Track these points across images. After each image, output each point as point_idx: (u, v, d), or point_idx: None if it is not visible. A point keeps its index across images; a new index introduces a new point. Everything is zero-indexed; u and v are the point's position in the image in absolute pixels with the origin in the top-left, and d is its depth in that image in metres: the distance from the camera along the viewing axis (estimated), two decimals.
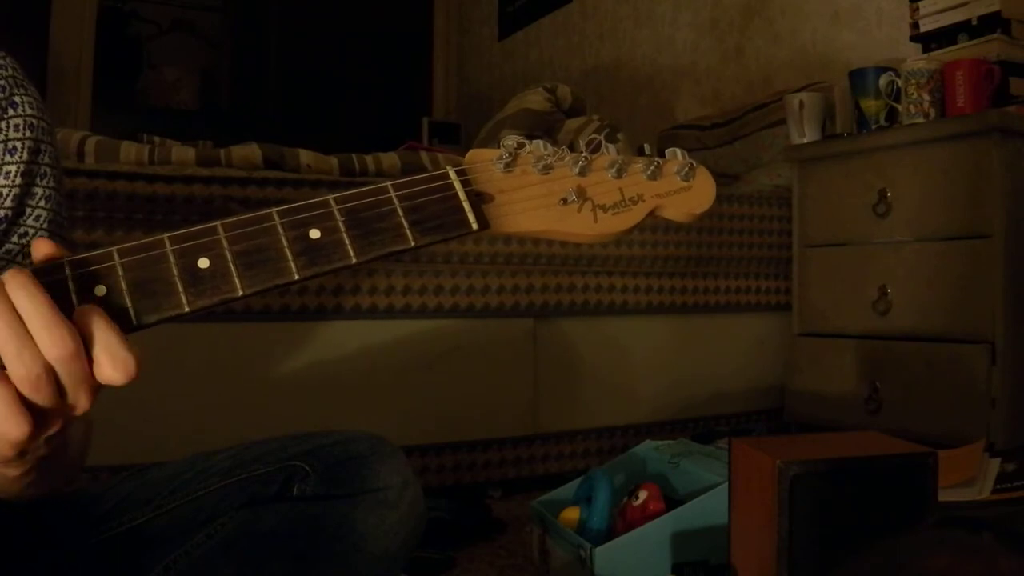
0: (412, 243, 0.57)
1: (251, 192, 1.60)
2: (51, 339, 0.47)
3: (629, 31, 3.37)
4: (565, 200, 0.61)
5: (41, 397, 0.47)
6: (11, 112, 0.72)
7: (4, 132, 0.71)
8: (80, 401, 0.49)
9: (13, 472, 0.54)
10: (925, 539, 0.70)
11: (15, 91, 0.72)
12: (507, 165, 0.61)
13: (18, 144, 0.72)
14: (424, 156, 1.94)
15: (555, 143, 2.29)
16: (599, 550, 1.18)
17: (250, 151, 1.74)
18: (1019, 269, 1.68)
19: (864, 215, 1.90)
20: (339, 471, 0.76)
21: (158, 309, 0.52)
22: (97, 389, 0.50)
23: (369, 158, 1.87)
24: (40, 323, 0.47)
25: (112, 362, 0.48)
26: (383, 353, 1.74)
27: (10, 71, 0.73)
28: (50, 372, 0.47)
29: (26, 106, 0.73)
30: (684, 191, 0.65)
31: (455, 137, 3.98)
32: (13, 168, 0.71)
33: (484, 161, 0.61)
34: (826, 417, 1.94)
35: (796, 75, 2.55)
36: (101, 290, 0.51)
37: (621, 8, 3.40)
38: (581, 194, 0.62)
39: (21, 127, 0.72)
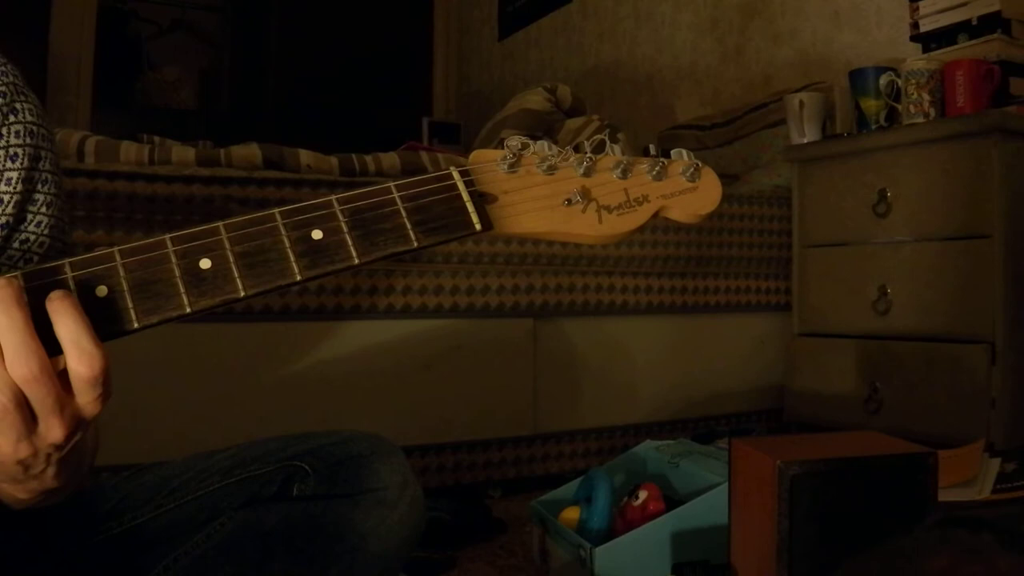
0: (415, 244, 0.57)
1: (251, 192, 1.60)
2: (16, 359, 0.48)
3: (629, 31, 3.37)
4: (569, 201, 0.61)
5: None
6: (12, 119, 0.72)
7: (5, 139, 0.71)
8: (51, 425, 0.50)
9: (21, 495, 0.56)
10: (925, 539, 0.70)
11: (16, 98, 0.72)
12: (511, 166, 0.61)
13: (19, 151, 0.72)
14: (424, 156, 1.94)
15: (555, 143, 2.28)
16: (599, 550, 1.18)
17: (250, 151, 1.74)
18: (1019, 269, 1.68)
19: (864, 215, 1.90)
20: (339, 471, 0.76)
21: (160, 310, 0.52)
22: (75, 414, 0.51)
23: (369, 158, 1.87)
24: (7, 342, 0.47)
25: (79, 355, 0.49)
26: (383, 353, 1.74)
27: (11, 78, 0.73)
28: (15, 391, 0.48)
29: (27, 113, 0.73)
30: (690, 192, 0.64)
31: (455, 137, 3.98)
32: (15, 175, 0.71)
33: (488, 162, 0.61)
34: (826, 417, 1.94)
35: (796, 75, 2.55)
36: (103, 291, 0.51)
37: (621, 8, 3.40)
38: (586, 195, 0.61)
39: (22, 133, 0.72)
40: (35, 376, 0.48)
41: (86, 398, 0.51)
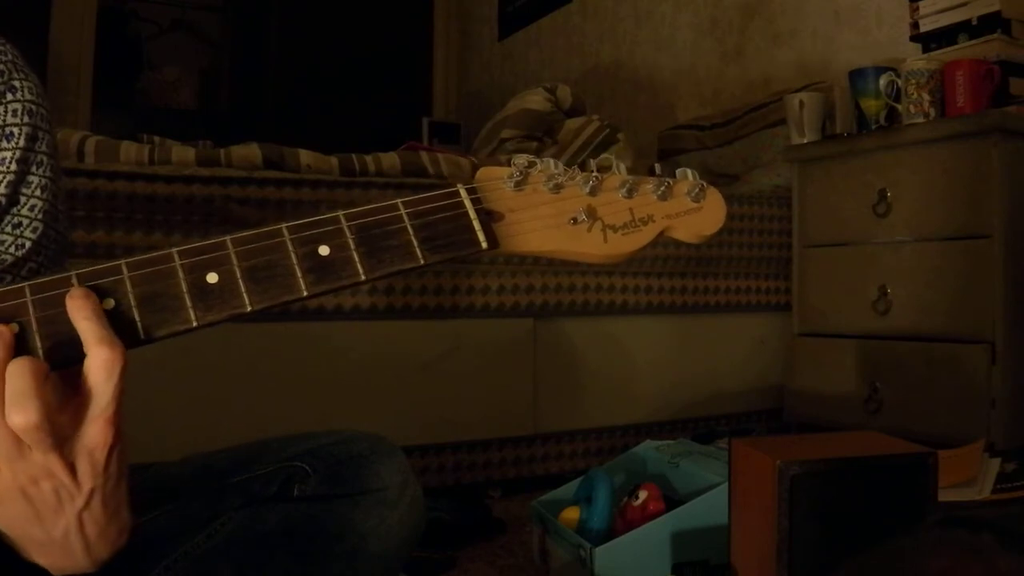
0: (421, 261, 0.57)
1: (251, 192, 1.60)
2: (14, 407, 0.48)
3: (629, 31, 3.37)
4: (575, 220, 0.61)
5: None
6: (9, 97, 0.70)
7: (2, 117, 0.69)
8: (53, 464, 0.51)
9: (43, 558, 0.56)
10: (925, 539, 0.70)
11: (15, 76, 0.70)
12: (517, 183, 0.61)
13: (15, 130, 0.70)
14: (424, 156, 1.94)
15: (555, 143, 2.27)
16: (599, 550, 1.18)
17: (250, 151, 1.74)
18: (1019, 269, 1.68)
19: (864, 215, 1.90)
20: (339, 471, 0.76)
21: (166, 324, 0.53)
22: (68, 453, 0.51)
23: (369, 158, 1.87)
24: (11, 388, 0.48)
25: (97, 340, 0.50)
26: (383, 353, 1.74)
27: (10, 56, 0.71)
28: (11, 436, 0.49)
29: (25, 91, 0.71)
30: (694, 212, 0.65)
31: (455, 137, 3.98)
32: (8, 154, 0.69)
33: (495, 179, 0.61)
34: (826, 417, 1.94)
35: (796, 75, 2.55)
36: (109, 303, 0.52)
37: (621, 8, 3.40)
38: (591, 214, 0.62)
39: (20, 112, 0.70)
40: (35, 425, 0.48)
41: (101, 401, 0.51)
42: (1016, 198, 1.69)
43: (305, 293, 0.55)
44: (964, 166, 1.72)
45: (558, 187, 0.62)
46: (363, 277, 0.56)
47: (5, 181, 0.70)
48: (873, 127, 1.93)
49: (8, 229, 0.71)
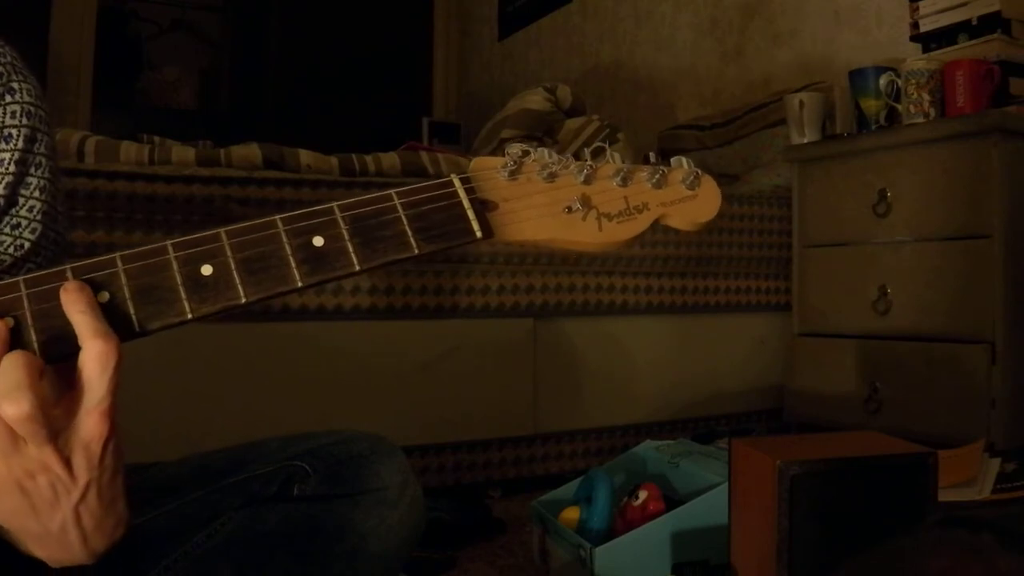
0: (416, 251, 0.57)
1: (251, 192, 1.60)
2: (6, 398, 0.48)
3: (629, 31, 3.37)
4: (570, 208, 0.61)
5: None
6: (8, 99, 0.70)
7: (0, 119, 0.69)
8: (48, 458, 0.51)
9: (41, 551, 0.56)
10: (925, 539, 0.70)
11: (13, 77, 0.70)
12: (512, 173, 0.61)
13: (14, 131, 0.70)
14: (424, 156, 1.94)
15: (556, 143, 2.27)
16: (599, 550, 1.18)
17: (250, 151, 1.74)
18: (1019, 269, 1.68)
19: (864, 215, 1.90)
20: (339, 471, 0.76)
21: (161, 316, 0.52)
22: (63, 446, 0.51)
23: (369, 158, 1.87)
24: (3, 380, 0.48)
25: (92, 334, 0.50)
26: (383, 353, 1.74)
27: (9, 58, 0.71)
28: (6, 429, 0.49)
29: (24, 93, 0.71)
30: (689, 200, 0.64)
31: (455, 137, 3.98)
32: (7, 155, 0.69)
33: (489, 169, 0.61)
34: (826, 417, 1.94)
35: (796, 75, 2.55)
36: (104, 296, 0.52)
37: (621, 8, 3.40)
38: (586, 202, 0.62)
39: (18, 114, 0.70)
40: (28, 416, 0.48)
41: (96, 394, 0.51)
42: (1016, 198, 1.69)
43: (299, 284, 0.54)
44: (964, 166, 1.72)
45: (552, 176, 0.61)
46: (357, 268, 0.56)
47: (4, 182, 0.70)
48: (873, 127, 1.93)
49: (7, 230, 0.71)
